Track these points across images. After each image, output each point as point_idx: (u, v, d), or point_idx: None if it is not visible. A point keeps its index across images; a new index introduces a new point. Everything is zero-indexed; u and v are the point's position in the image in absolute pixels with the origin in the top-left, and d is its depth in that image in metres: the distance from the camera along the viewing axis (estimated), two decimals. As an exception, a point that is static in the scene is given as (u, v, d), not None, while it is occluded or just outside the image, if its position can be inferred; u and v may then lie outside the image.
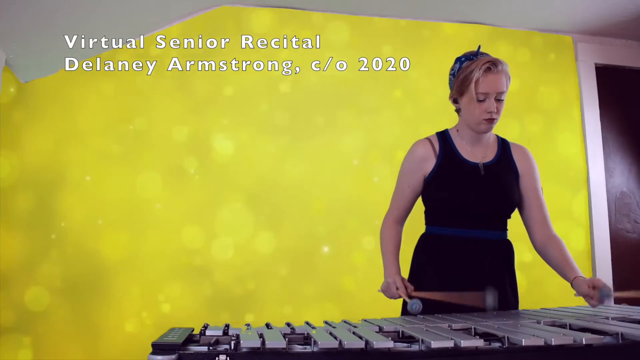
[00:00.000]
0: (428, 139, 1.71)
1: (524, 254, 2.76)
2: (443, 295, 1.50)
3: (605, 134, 2.98)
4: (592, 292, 1.41)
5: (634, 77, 3.10)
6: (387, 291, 1.61)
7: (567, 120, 2.92)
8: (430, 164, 1.66)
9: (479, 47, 1.66)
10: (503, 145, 1.74)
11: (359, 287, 2.59)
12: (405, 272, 1.71)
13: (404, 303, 1.67)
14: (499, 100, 1.58)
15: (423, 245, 1.72)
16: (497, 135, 1.76)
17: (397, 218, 1.75)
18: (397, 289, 1.57)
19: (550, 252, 1.68)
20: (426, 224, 1.73)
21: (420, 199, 1.74)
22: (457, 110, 1.69)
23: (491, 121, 1.60)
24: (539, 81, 2.91)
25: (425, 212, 1.72)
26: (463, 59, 1.65)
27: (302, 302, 2.56)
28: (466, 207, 1.61)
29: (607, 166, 2.97)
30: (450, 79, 1.68)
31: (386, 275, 1.65)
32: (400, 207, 1.74)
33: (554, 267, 1.68)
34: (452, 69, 1.67)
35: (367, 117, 2.75)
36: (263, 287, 2.55)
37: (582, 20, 2.85)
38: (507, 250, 1.70)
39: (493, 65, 1.56)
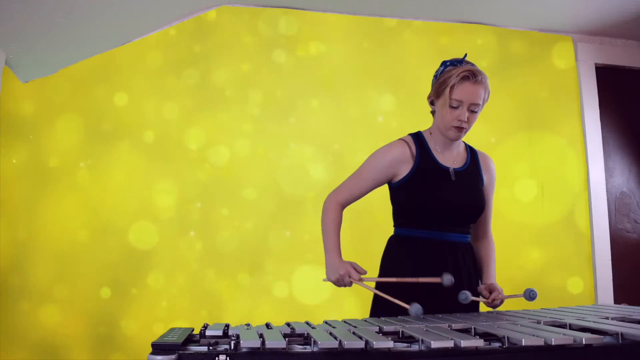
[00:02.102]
0: (405, 141, 1.71)
1: (524, 255, 2.77)
2: (395, 280, 1.55)
3: (605, 134, 2.98)
4: (486, 294, 1.62)
5: (634, 77, 3.10)
6: (340, 281, 1.59)
7: (567, 120, 2.92)
8: (405, 167, 1.67)
9: (465, 55, 1.68)
10: (472, 153, 1.77)
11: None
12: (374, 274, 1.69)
13: (374, 301, 1.68)
14: (472, 112, 1.61)
15: (395, 248, 1.71)
16: (465, 143, 1.79)
17: (345, 202, 1.73)
18: (351, 277, 1.57)
19: (480, 251, 1.78)
20: (396, 225, 1.73)
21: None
22: (432, 112, 1.72)
23: (460, 129, 1.63)
24: (539, 81, 2.91)
25: (396, 214, 1.73)
26: (448, 63, 1.67)
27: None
28: (439, 210, 1.63)
29: (607, 166, 2.97)
30: (432, 80, 1.71)
31: (331, 262, 1.63)
32: (353, 194, 1.72)
33: (480, 263, 1.78)
34: (436, 71, 1.70)
35: (368, 115, 2.75)
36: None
37: (582, 20, 2.85)
38: (470, 252, 1.73)
39: (472, 75, 1.58)
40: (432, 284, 1.54)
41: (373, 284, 1.61)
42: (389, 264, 1.72)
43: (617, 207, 2.96)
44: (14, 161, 2.49)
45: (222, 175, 2.61)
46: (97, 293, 2.46)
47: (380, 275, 1.71)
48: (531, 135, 2.86)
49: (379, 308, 1.66)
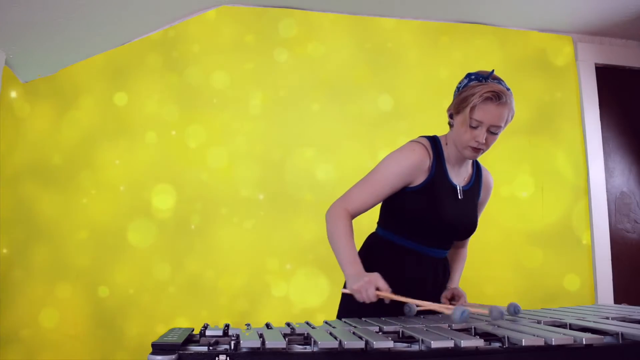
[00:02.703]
0: (425, 147, 1.59)
1: (523, 255, 2.77)
2: (409, 300, 1.41)
3: (605, 134, 2.98)
4: (445, 301, 1.63)
5: (634, 77, 3.10)
6: (363, 292, 1.37)
7: (567, 120, 2.91)
8: (421, 177, 1.56)
9: (492, 71, 1.57)
10: (477, 169, 1.71)
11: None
12: None
13: (341, 303, 1.65)
14: (492, 133, 1.52)
15: (375, 249, 1.64)
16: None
17: (356, 212, 1.54)
18: (379, 289, 1.36)
19: (453, 255, 1.78)
20: (381, 226, 1.65)
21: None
22: (450, 125, 1.61)
23: (477, 150, 1.54)
24: (539, 81, 2.91)
25: (386, 216, 1.64)
26: (473, 77, 1.56)
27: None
28: (438, 228, 1.56)
29: (607, 166, 2.97)
30: (455, 92, 1.60)
31: (352, 275, 1.42)
32: (367, 202, 1.54)
33: (453, 266, 1.79)
34: (460, 83, 1.59)
35: (368, 115, 2.75)
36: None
37: (582, 20, 2.85)
38: (446, 266, 1.71)
39: (496, 96, 1.48)
40: (413, 285, 1.54)
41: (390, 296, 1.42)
42: (369, 260, 1.57)
43: (617, 207, 2.96)
44: (14, 161, 2.49)
45: (222, 175, 2.61)
46: (96, 292, 2.46)
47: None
48: (531, 135, 2.86)
49: (345, 311, 1.62)
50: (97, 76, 2.58)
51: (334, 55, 2.76)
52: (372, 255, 1.63)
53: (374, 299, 1.36)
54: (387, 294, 1.36)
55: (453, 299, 1.65)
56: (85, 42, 2.49)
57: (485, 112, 1.49)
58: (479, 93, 1.48)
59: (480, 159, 1.71)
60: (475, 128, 1.51)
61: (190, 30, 2.66)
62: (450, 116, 1.60)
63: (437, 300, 1.62)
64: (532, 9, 2.75)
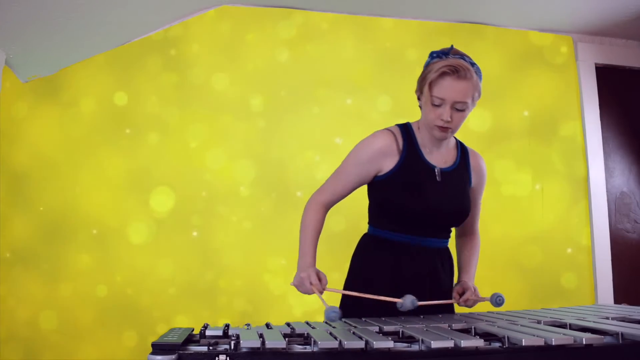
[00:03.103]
0: (391, 131, 1.56)
1: (523, 255, 2.76)
2: (359, 294, 1.42)
3: (605, 134, 2.98)
4: (457, 296, 1.52)
5: (634, 77, 3.10)
6: (301, 286, 1.44)
7: (567, 120, 2.91)
8: (390, 162, 1.52)
9: (452, 46, 1.52)
10: (462, 151, 1.62)
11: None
12: (344, 271, 1.61)
13: (342, 302, 1.57)
14: (458, 110, 1.45)
15: (368, 249, 1.59)
16: (457, 140, 1.64)
17: (328, 203, 1.57)
18: (312, 284, 1.41)
19: (463, 247, 1.68)
20: (371, 224, 1.61)
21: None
22: (420, 108, 1.57)
23: (445, 130, 1.47)
24: (539, 81, 2.91)
25: (373, 212, 1.60)
26: (434, 54, 1.52)
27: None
28: (420, 214, 1.49)
29: (607, 166, 2.97)
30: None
31: (300, 266, 1.48)
32: (336, 193, 1.57)
33: (458, 262, 1.68)
34: (425, 63, 1.55)
35: (368, 115, 2.75)
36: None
37: (582, 20, 2.85)
38: (448, 258, 1.62)
39: (453, 70, 1.42)
40: (411, 282, 1.47)
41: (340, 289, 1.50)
42: (359, 265, 1.60)
43: (617, 207, 2.96)
44: (14, 161, 2.49)
45: (222, 175, 2.61)
46: (96, 292, 2.46)
47: (348, 276, 1.61)
48: (531, 134, 2.86)
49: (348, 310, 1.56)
50: (97, 76, 2.58)
51: (334, 55, 2.76)
52: (365, 254, 1.60)
53: (311, 293, 1.42)
54: (317, 290, 1.40)
55: (464, 293, 1.53)
56: (85, 42, 2.49)
57: (444, 88, 1.43)
58: (435, 68, 1.45)
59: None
60: (438, 106, 1.45)
61: (190, 30, 2.66)
62: (418, 99, 1.56)
63: (443, 294, 1.55)
64: (532, 9, 2.75)
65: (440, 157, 1.56)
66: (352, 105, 2.74)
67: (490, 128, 2.81)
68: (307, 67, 2.73)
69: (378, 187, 1.55)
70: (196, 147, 2.61)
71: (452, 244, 1.66)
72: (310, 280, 1.42)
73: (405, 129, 1.58)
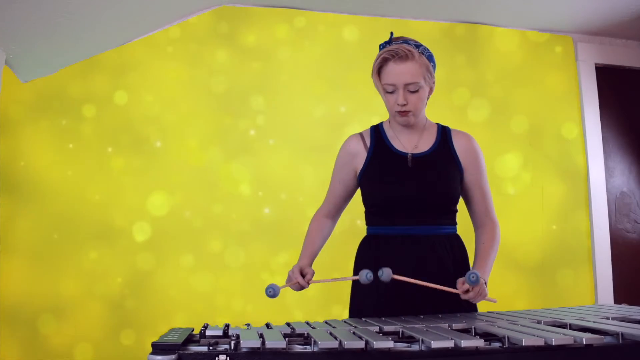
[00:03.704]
0: (360, 133, 1.66)
1: (523, 255, 2.76)
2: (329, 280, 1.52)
3: (605, 134, 2.98)
4: (461, 284, 1.38)
5: (634, 77, 3.10)
6: (288, 280, 1.53)
7: (567, 120, 2.92)
8: (361, 159, 1.61)
9: (391, 34, 1.55)
10: (443, 134, 1.61)
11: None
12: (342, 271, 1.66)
13: (352, 298, 1.62)
14: (412, 92, 1.48)
15: (362, 247, 1.65)
16: (437, 124, 1.65)
17: (327, 212, 1.69)
18: (293, 274, 1.50)
19: (479, 242, 1.60)
20: (366, 224, 1.66)
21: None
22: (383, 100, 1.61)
23: (404, 114, 1.51)
24: (539, 81, 2.91)
25: (364, 212, 1.65)
26: (381, 47, 1.55)
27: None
28: (395, 202, 1.52)
29: (607, 166, 2.97)
30: None
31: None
32: (330, 202, 1.69)
33: (475, 254, 1.59)
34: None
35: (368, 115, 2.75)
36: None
37: (582, 20, 2.85)
38: (455, 245, 1.58)
39: (393, 54, 1.46)
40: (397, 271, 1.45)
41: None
42: (357, 265, 1.64)
43: (617, 207, 2.96)
44: (14, 160, 2.49)
45: (222, 174, 2.61)
46: (95, 292, 2.46)
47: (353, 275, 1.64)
48: (531, 134, 2.86)
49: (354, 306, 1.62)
50: (97, 76, 2.58)
51: (335, 55, 2.76)
52: (357, 252, 1.66)
53: (295, 288, 1.49)
54: (297, 280, 1.48)
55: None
56: (85, 42, 2.49)
57: (390, 73, 1.48)
58: (378, 57, 1.50)
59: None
60: (392, 93, 1.51)
61: (190, 30, 2.66)
62: (381, 94, 1.59)
63: (444, 282, 1.48)
64: (532, 9, 2.75)
65: (411, 144, 1.59)
66: (352, 105, 2.74)
67: (490, 128, 2.81)
68: (307, 67, 2.73)
69: (360, 186, 1.64)
70: (196, 147, 2.61)
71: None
72: (291, 273, 1.51)
73: (375, 128, 1.67)
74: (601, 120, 2.97)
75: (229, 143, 2.63)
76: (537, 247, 2.78)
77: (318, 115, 2.71)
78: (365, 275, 1.40)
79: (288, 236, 2.60)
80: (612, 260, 2.85)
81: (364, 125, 2.70)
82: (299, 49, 2.74)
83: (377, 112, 2.75)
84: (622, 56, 3.05)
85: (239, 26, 2.70)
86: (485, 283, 1.45)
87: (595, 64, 3.00)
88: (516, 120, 2.86)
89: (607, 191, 2.93)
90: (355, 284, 1.61)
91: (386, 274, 1.37)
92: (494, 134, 2.81)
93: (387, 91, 1.51)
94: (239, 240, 2.58)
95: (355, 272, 1.60)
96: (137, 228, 2.52)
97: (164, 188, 2.56)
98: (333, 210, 1.70)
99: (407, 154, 1.56)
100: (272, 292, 1.39)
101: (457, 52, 2.83)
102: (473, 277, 1.32)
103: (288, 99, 2.70)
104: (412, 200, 1.52)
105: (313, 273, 1.53)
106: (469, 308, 1.53)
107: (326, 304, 2.56)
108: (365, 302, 1.57)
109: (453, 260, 1.56)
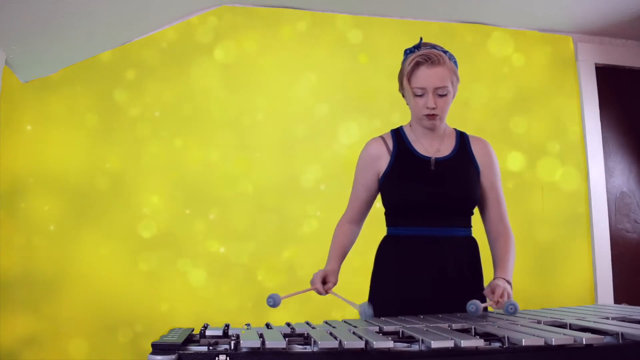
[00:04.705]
0: (381, 137, 1.67)
1: (523, 254, 2.76)
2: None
3: (605, 134, 2.98)
4: (490, 294, 1.41)
5: (634, 77, 3.10)
6: (312, 285, 1.56)
7: (567, 120, 2.92)
8: (383, 162, 1.62)
9: (421, 39, 1.61)
10: (462, 139, 1.66)
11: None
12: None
13: (371, 296, 1.64)
14: (440, 96, 1.53)
15: (381, 248, 1.66)
16: (455, 130, 1.69)
17: (351, 218, 1.70)
18: (314, 284, 1.53)
19: (495, 248, 1.60)
20: (386, 225, 1.67)
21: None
22: (408, 104, 1.64)
23: (432, 117, 1.55)
24: (539, 81, 2.91)
25: (385, 213, 1.67)
26: (408, 51, 1.60)
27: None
28: (418, 204, 1.55)
29: (607, 166, 2.97)
30: None
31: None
32: (354, 207, 1.69)
33: (493, 261, 1.60)
34: (402, 61, 1.63)
35: (369, 115, 2.75)
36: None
37: (582, 20, 2.85)
38: (471, 247, 1.61)
39: (425, 58, 1.51)
40: (416, 271, 1.52)
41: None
42: (377, 264, 1.67)
43: (617, 207, 2.96)
44: (15, 161, 2.48)
45: (222, 174, 2.61)
46: (95, 293, 2.46)
47: (372, 276, 1.66)
48: (531, 135, 2.86)
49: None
50: (97, 76, 2.58)
51: (335, 55, 2.76)
52: (385, 253, 1.65)
53: (322, 293, 1.54)
54: (317, 287, 1.52)
55: (494, 292, 1.44)
56: (85, 42, 2.49)
57: (421, 77, 1.52)
58: (409, 61, 1.54)
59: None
60: (421, 96, 1.54)
61: (190, 30, 2.66)
62: (403, 96, 1.64)
63: (466, 289, 1.52)
64: (532, 9, 2.75)
65: (433, 148, 1.62)
66: (353, 105, 2.74)
67: (489, 127, 2.81)
68: (307, 67, 2.73)
69: (381, 189, 1.65)
70: (196, 146, 2.61)
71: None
72: (313, 280, 1.55)
73: (396, 131, 1.68)
74: (601, 120, 2.97)
75: (228, 142, 2.63)
76: (537, 247, 2.78)
77: (319, 115, 2.71)
78: (364, 310, 1.45)
79: (289, 236, 2.60)
80: (612, 260, 2.85)
81: (365, 125, 2.73)
82: (299, 49, 2.74)
83: (378, 110, 2.76)
84: (622, 56, 3.05)
85: (239, 26, 2.70)
86: (510, 284, 1.47)
87: (595, 64, 3.00)
88: (516, 120, 2.86)
89: (607, 191, 2.93)
90: (377, 277, 1.65)
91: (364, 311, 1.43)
92: (493, 133, 2.81)
93: (417, 94, 1.54)
94: (239, 240, 2.57)
95: (376, 271, 1.65)
96: (140, 227, 2.52)
97: (164, 187, 2.56)
98: (357, 215, 1.70)
99: (430, 157, 1.60)
100: (272, 302, 1.41)
101: (456, 52, 2.82)
102: (511, 308, 1.29)
103: (289, 99, 2.70)
104: (434, 203, 1.56)
105: (335, 283, 1.56)
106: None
107: (326, 310, 2.55)
108: (387, 295, 1.59)
109: (467, 262, 1.60)
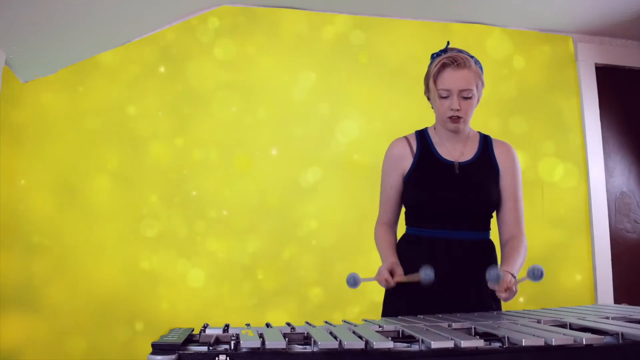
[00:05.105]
0: (405, 137, 1.69)
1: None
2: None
3: (605, 134, 2.98)
4: (497, 286, 1.42)
5: (634, 77, 3.10)
6: (378, 278, 1.55)
7: (567, 120, 2.91)
8: (407, 163, 1.64)
9: (448, 43, 1.64)
10: (485, 142, 1.68)
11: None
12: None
13: (386, 298, 1.67)
14: (465, 98, 1.55)
15: (401, 246, 1.68)
16: (479, 133, 1.71)
17: (386, 220, 1.71)
18: (385, 280, 1.52)
19: (506, 248, 1.63)
20: (405, 224, 1.70)
21: None
22: (432, 107, 1.67)
23: (456, 119, 1.57)
24: (539, 81, 2.91)
25: (405, 213, 1.70)
26: (434, 55, 1.63)
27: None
28: (440, 206, 1.58)
29: (607, 166, 2.97)
30: None
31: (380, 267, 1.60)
32: (387, 210, 1.71)
33: (501, 260, 1.63)
34: (428, 65, 1.67)
35: (369, 114, 2.75)
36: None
37: (582, 20, 2.85)
38: (488, 250, 1.64)
39: (452, 61, 1.54)
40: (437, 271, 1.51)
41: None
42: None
43: (617, 207, 2.96)
44: (15, 161, 2.48)
45: (220, 174, 2.61)
46: (95, 292, 2.46)
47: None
48: (531, 135, 2.86)
49: (389, 308, 1.65)
50: (96, 76, 2.58)
51: (335, 55, 2.76)
52: (403, 252, 1.66)
53: (387, 285, 1.53)
54: (387, 280, 1.51)
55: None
56: (85, 42, 2.49)
57: (447, 79, 1.54)
58: (435, 63, 1.57)
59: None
60: (446, 98, 1.56)
61: (190, 30, 2.66)
62: (428, 98, 1.66)
63: (480, 287, 1.53)
64: (532, 9, 2.75)
65: (457, 152, 1.64)
66: (353, 105, 2.74)
67: (489, 128, 2.81)
68: (307, 67, 2.73)
69: (404, 189, 1.67)
70: (195, 146, 2.61)
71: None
72: (381, 269, 1.55)
73: (421, 133, 1.70)
74: (601, 120, 2.97)
75: (228, 141, 2.63)
76: (537, 247, 2.78)
77: (319, 115, 2.71)
78: (426, 273, 1.46)
79: (289, 236, 2.60)
80: (612, 260, 2.85)
81: (365, 125, 2.73)
82: (299, 49, 2.74)
83: (379, 110, 2.76)
84: (622, 56, 3.05)
85: (239, 26, 2.70)
86: (516, 280, 1.47)
87: (595, 64, 3.00)
88: (515, 120, 2.86)
89: (607, 191, 2.93)
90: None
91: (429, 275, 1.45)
92: (493, 133, 2.80)
93: (442, 96, 1.56)
94: (239, 240, 2.57)
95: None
96: (140, 227, 2.52)
97: (164, 187, 2.56)
98: (392, 217, 1.72)
99: (453, 162, 1.62)
100: (353, 281, 1.42)
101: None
102: (538, 272, 1.33)
103: (289, 99, 2.70)
104: (456, 206, 1.58)
105: (401, 274, 1.55)
106: (497, 309, 1.61)
107: (327, 311, 2.56)
108: (399, 302, 1.61)
109: (484, 264, 1.58)
